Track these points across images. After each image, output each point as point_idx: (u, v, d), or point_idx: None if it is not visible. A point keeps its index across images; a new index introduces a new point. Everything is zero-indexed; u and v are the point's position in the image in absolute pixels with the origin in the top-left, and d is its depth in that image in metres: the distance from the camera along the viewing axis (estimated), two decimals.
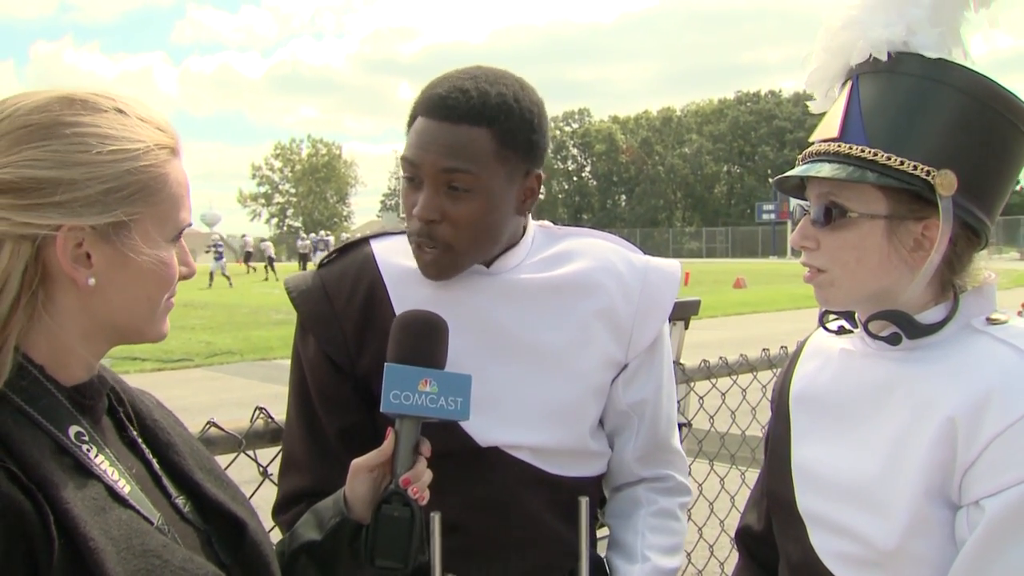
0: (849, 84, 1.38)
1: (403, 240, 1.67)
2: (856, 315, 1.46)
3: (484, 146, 1.50)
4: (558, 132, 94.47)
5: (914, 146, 1.30)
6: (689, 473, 1.80)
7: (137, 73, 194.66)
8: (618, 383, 1.69)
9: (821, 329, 1.56)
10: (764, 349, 2.55)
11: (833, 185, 1.34)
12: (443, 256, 1.54)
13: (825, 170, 1.33)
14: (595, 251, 1.71)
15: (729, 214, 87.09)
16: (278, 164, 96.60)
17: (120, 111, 1.11)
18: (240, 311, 20.78)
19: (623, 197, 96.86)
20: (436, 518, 1.47)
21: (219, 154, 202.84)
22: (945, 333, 1.34)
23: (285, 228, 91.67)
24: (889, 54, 1.34)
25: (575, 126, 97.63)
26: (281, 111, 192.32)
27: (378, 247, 1.69)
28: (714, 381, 2.41)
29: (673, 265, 1.75)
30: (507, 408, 1.58)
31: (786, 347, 2.68)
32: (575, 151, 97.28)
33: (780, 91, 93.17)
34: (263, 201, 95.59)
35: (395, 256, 1.66)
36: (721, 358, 2.40)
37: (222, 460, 1.58)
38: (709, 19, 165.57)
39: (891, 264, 1.34)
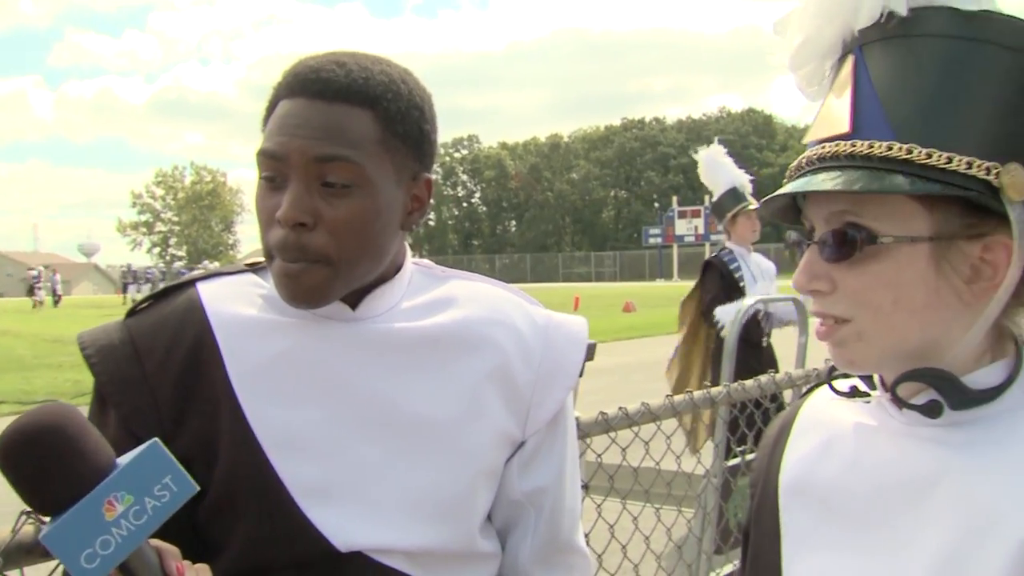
0: (851, 60, 0.97)
1: (240, 282, 1.31)
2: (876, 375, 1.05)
3: (367, 130, 1.17)
4: (448, 158, 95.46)
5: (960, 135, 0.90)
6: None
7: (8, 97, 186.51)
8: (512, 466, 1.34)
9: (821, 393, 1.13)
10: (667, 396, 2.27)
11: (850, 200, 0.94)
12: (317, 272, 1.18)
13: (838, 180, 0.92)
14: (486, 299, 1.37)
15: (617, 238, 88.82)
16: (160, 192, 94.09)
17: None
18: None
19: (513, 222, 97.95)
20: None
21: (99, 181, 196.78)
22: (1006, 402, 0.94)
23: (168, 257, 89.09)
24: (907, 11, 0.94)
25: (464, 152, 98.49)
26: (166, 138, 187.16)
27: (206, 290, 1.30)
28: (613, 435, 2.12)
29: (579, 323, 1.42)
30: (374, 499, 1.21)
31: (691, 391, 2.42)
32: (464, 177, 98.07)
33: (664, 118, 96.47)
34: (144, 230, 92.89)
35: (229, 302, 1.28)
36: (620, 408, 2.10)
37: None
38: (597, 49, 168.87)
39: (941, 303, 0.93)
